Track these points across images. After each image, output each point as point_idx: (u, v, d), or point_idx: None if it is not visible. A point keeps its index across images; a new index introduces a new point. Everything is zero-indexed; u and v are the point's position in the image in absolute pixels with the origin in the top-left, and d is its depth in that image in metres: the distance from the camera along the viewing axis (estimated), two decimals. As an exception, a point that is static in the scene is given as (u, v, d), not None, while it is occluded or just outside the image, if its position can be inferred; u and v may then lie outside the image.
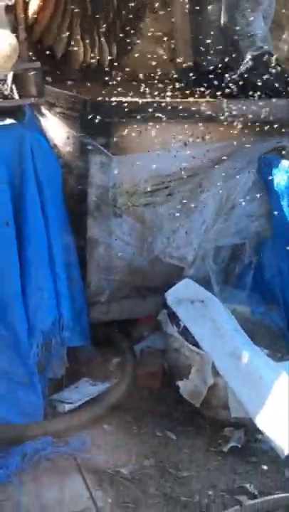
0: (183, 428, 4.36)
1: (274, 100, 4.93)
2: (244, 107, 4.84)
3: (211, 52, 5.24)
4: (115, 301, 5.05)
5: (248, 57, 4.98)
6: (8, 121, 4.37)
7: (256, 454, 4.16)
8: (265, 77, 4.88)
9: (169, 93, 5.01)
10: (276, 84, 4.93)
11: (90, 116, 4.58)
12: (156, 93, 4.95)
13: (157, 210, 4.99)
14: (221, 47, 5.23)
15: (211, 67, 5.21)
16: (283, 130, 4.98)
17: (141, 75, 5.28)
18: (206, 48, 5.29)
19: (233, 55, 5.13)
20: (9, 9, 4.57)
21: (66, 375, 4.57)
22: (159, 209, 5.00)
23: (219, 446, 4.21)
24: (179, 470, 4.00)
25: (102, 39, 5.35)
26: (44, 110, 4.98)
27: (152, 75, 5.31)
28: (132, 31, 5.50)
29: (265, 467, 4.06)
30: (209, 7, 5.32)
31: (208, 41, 5.28)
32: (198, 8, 5.31)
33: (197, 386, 4.38)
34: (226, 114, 4.80)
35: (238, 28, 5.12)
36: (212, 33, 5.24)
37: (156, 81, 5.31)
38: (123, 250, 4.93)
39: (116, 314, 5.07)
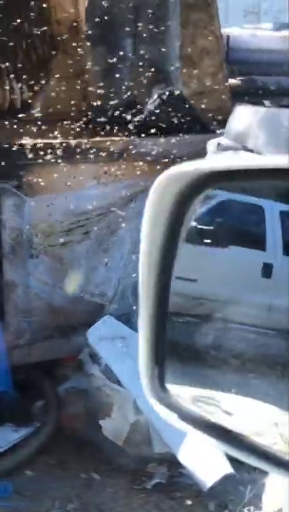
0: (107, 467, 4.31)
1: (184, 136, 5.03)
2: (154, 144, 4.92)
3: (122, 90, 5.33)
4: (37, 343, 5.00)
5: (155, 95, 5.08)
6: None
7: (180, 488, 4.14)
8: (173, 114, 4.98)
9: (81, 132, 5.06)
10: (184, 121, 5.04)
11: (1, 159, 4.59)
12: (68, 133, 5.00)
13: (75, 249, 5.00)
14: (131, 84, 5.33)
15: (122, 106, 5.29)
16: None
17: (53, 115, 5.32)
18: (116, 86, 5.37)
19: (142, 91, 5.23)
20: None
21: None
22: (77, 247, 5.01)
23: (143, 483, 4.17)
24: (103, 511, 3.95)
25: (13, 80, 5.38)
26: None
27: (64, 114, 5.36)
28: (42, 72, 5.56)
29: (189, 502, 4.04)
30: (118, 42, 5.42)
31: (119, 79, 5.37)
32: (105, 46, 5.40)
33: (119, 424, 4.35)
34: (137, 151, 4.88)
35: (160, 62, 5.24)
36: (122, 70, 5.34)
37: (68, 120, 5.36)
38: (42, 291, 4.92)
39: (38, 356, 5.02)
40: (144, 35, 5.41)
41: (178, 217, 1.11)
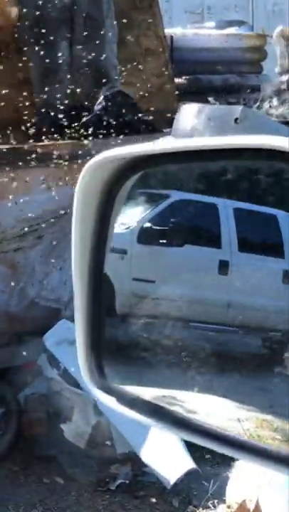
0: (70, 471, 4.31)
1: (131, 137, 5.05)
2: (102, 146, 4.93)
3: (66, 93, 5.32)
4: (-6, 351, 4.96)
5: (101, 97, 5.10)
6: None
7: (144, 487, 4.16)
8: (119, 114, 5.00)
9: (29, 137, 5.03)
10: (131, 122, 5.06)
11: None
12: (14, 138, 4.97)
13: (28, 254, 4.97)
14: (74, 87, 5.32)
15: (70, 109, 5.29)
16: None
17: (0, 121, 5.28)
18: (60, 89, 5.35)
19: (87, 93, 5.23)
20: None
21: None
22: (30, 253, 4.98)
23: (107, 485, 4.18)
24: (67, 515, 3.95)
25: None
26: None
27: (10, 119, 5.32)
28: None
29: (153, 500, 4.06)
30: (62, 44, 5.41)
31: (62, 82, 5.36)
32: (43, 50, 5.38)
33: (80, 427, 4.35)
34: (85, 153, 4.87)
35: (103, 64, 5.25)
36: (63, 73, 5.33)
37: (16, 126, 5.32)
38: (-4, 298, 4.87)
39: (-4, 364, 4.97)
40: (79, 36, 5.42)
41: (108, 202, 1.12)
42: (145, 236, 1.70)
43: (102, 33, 5.36)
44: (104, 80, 5.24)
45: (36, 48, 5.35)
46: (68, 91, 5.29)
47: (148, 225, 1.73)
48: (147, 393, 1.17)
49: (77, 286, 1.13)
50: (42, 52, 5.30)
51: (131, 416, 1.10)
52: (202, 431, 1.02)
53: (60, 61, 5.31)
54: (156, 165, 1.12)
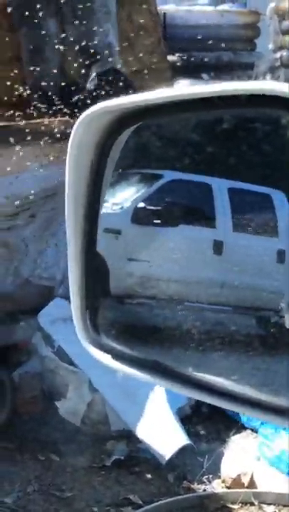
0: (65, 448, 4.34)
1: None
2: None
3: (58, 71, 5.28)
4: (-12, 330, 4.97)
5: (93, 74, 5.06)
6: None
7: (139, 463, 4.20)
8: (112, 92, 4.97)
9: (21, 114, 5.00)
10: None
11: None
12: (5, 116, 4.94)
13: (21, 233, 4.97)
14: (66, 64, 5.28)
15: (61, 86, 5.25)
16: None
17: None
18: (51, 67, 5.32)
19: (79, 70, 5.19)
20: None
21: None
22: (23, 232, 4.98)
23: (102, 461, 4.22)
24: (63, 491, 3.99)
25: None
26: None
27: (3, 97, 5.29)
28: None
29: (148, 475, 4.11)
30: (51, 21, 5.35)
31: (57, 59, 5.32)
32: (34, 27, 5.33)
33: (75, 404, 4.38)
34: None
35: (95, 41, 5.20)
36: (55, 50, 5.28)
37: (7, 103, 5.29)
38: (-11, 277, 4.88)
39: (-10, 343, 4.99)
40: (70, 13, 5.36)
41: (103, 153, 1.12)
42: (139, 216, 1.70)
43: (92, 10, 5.31)
44: (97, 58, 5.19)
45: (27, 26, 5.30)
46: (60, 69, 5.25)
47: (142, 205, 1.73)
48: (143, 351, 1.18)
49: (71, 244, 1.13)
50: (32, 30, 5.25)
51: (128, 372, 1.11)
52: (202, 385, 1.03)
53: (50, 39, 5.26)
54: (153, 116, 1.11)
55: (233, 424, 4.37)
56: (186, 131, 1.20)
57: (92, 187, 1.14)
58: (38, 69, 5.24)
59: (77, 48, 5.25)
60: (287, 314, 1.07)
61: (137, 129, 1.15)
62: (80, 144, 1.08)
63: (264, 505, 3.78)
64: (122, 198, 1.73)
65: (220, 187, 1.43)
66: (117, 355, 1.13)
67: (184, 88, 1.13)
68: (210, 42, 7.13)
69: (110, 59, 5.35)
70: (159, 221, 1.50)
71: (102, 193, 1.19)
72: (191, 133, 1.21)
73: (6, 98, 5.32)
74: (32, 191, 4.93)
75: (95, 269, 1.20)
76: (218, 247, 1.29)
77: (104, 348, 1.14)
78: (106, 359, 1.13)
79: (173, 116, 1.12)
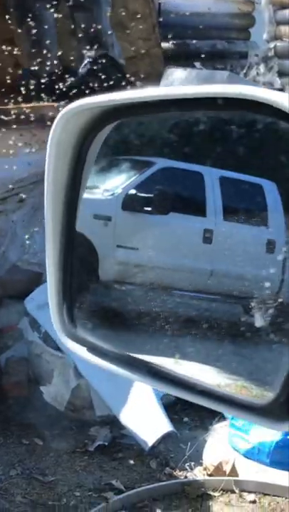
0: (49, 433, 4.36)
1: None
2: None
3: (52, 55, 5.25)
4: (-26, 314, 4.97)
5: (86, 59, 5.04)
6: None
7: (122, 449, 4.23)
8: (104, 77, 4.95)
9: (12, 99, 4.97)
10: (115, 85, 5.01)
11: None
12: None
13: (10, 218, 4.95)
14: (60, 49, 5.26)
15: (54, 71, 5.23)
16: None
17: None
18: (49, 51, 5.29)
19: (73, 55, 5.17)
20: None
21: None
22: (12, 217, 4.96)
23: (86, 446, 4.24)
24: (46, 475, 4.00)
25: None
26: None
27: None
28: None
29: (131, 461, 4.13)
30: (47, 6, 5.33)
31: (52, 44, 5.29)
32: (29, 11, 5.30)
33: (60, 390, 4.39)
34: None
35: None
36: (50, 35, 5.26)
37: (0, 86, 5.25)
38: (-23, 261, 4.87)
39: (-23, 327, 4.99)
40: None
41: (81, 149, 1.12)
42: (130, 203, 1.70)
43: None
44: (95, 44, 5.17)
45: (22, 12, 5.26)
46: (55, 53, 5.22)
47: (133, 191, 1.73)
48: (121, 346, 1.18)
49: (49, 236, 1.12)
50: (27, 16, 5.22)
51: (102, 365, 1.12)
52: (178, 382, 1.03)
53: (44, 23, 5.24)
54: (132, 114, 1.11)
55: (216, 413, 4.40)
56: (179, 121, 1.20)
57: (71, 181, 1.14)
58: (30, 52, 5.21)
59: (70, 32, 5.22)
60: (257, 313, 1.08)
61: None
62: (59, 141, 1.08)
63: (244, 493, 3.81)
64: (113, 184, 1.72)
65: (211, 176, 1.43)
66: (93, 348, 1.13)
67: (168, 89, 1.13)
68: (204, 30, 7.11)
69: (104, 44, 5.32)
70: (149, 208, 1.50)
71: (81, 186, 1.18)
72: (183, 123, 1.20)
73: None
74: (21, 176, 4.92)
75: (77, 260, 1.20)
76: (208, 235, 1.29)
77: (80, 341, 1.14)
78: (82, 352, 1.13)
79: (153, 116, 1.12)
